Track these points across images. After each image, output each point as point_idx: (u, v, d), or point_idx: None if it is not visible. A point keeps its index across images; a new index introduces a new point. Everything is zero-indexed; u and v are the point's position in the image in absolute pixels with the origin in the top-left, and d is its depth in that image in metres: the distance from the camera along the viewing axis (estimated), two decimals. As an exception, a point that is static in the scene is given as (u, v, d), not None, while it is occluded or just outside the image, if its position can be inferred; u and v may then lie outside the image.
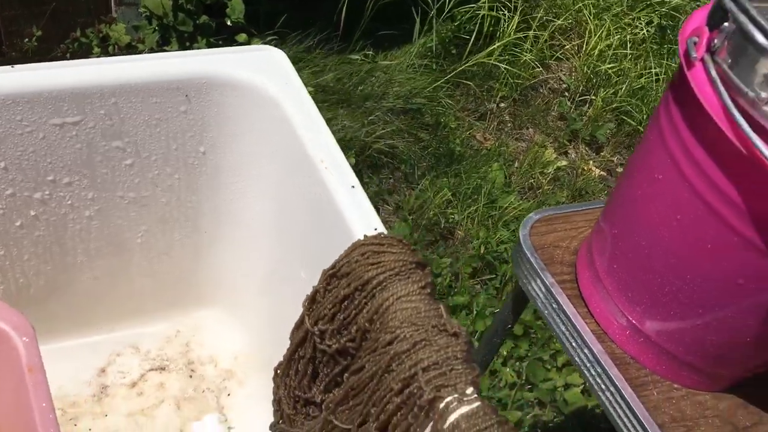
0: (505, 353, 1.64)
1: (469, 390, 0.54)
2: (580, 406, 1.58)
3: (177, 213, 0.80)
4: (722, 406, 0.79)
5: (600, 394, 0.79)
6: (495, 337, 1.14)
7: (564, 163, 2.25)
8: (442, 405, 0.53)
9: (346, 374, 0.62)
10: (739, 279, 0.66)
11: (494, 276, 1.78)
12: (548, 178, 2.16)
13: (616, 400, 0.77)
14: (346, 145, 1.93)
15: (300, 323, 0.65)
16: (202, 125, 0.74)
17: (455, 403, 0.53)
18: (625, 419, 0.76)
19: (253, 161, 0.76)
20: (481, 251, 1.81)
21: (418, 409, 0.55)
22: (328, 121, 2.20)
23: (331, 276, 0.62)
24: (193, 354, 0.91)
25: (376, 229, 0.63)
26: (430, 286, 0.59)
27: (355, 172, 2.23)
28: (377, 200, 1.94)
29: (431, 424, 0.54)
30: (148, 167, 0.75)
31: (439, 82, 2.30)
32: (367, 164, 2.03)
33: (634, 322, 0.77)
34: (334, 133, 2.16)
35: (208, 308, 0.93)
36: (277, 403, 0.70)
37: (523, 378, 1.63)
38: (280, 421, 0.70)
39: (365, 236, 0.61)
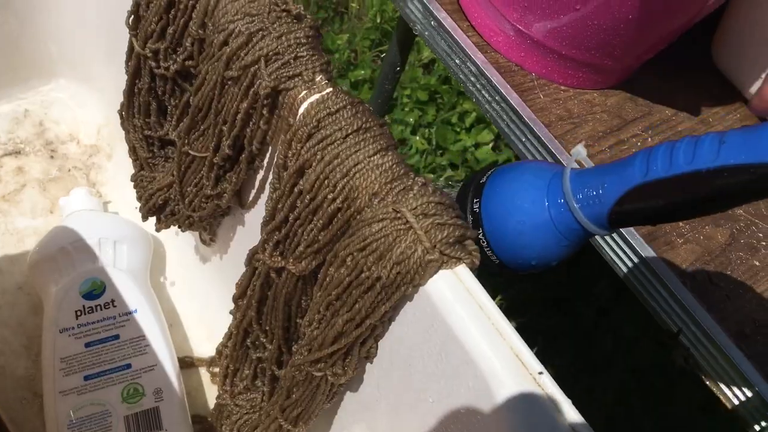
0: (412, 121, 1.61)
1: (319, 78, 0.47)
2: (491, 161, 1.59)
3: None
4: (610, 102, 0.77)
5: (488, 107, 0.76)
6: (386, 82, 1.08)
7: None
8: (289, 97, 0.47)
9: (191, 97, 0.55)
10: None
11: (393, 45, 1.69)
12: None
13: (503, 108, 0.74)
14: None
15: (130, 49, 0.56)
16: None
17: (304, 93, 0.47)
18: (513, 126, 0.73)
19: None
20: (378, 21, 1.71)
21: (267, 110, 0.49)
22: None
23: (151, -17, 0.53)
24: (50, 133, 0.82)
25: None
26: (264, -26, 0.50)
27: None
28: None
29: (283, 124, 0.49)
30: None
31: None
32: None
33: (515, 24, 0.72)
34: None
35: (56, 81, 0.82)
36: (132, 151, 0.63)
37: (434, 143, 1.61)
38: (140, 171, 0.64)
39: (180, -74, 0.52)
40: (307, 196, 0.46)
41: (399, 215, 0.42)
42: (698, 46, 0.83)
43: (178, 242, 0.77)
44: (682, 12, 0.66)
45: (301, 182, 0.46)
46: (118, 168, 0.81)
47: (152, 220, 0.69)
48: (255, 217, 0.63)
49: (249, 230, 0.67)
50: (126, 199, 0.79)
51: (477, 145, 1.60)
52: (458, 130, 1.63)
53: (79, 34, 0.78)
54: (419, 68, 1.66)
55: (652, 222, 0.43)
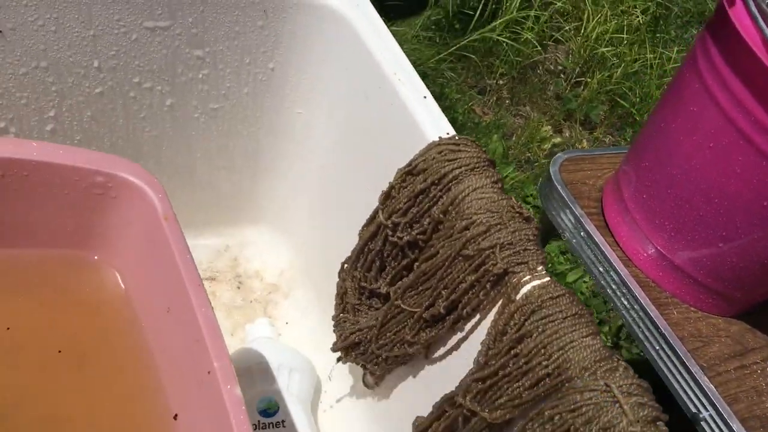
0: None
1: (540, 267, 0.60)
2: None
3: (241, 127, 0.86)
4: (733, 329, 0.87)
5: (625, 313, 0.87)
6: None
7: (559, 140, 2.33)
8: (514, 279, 0.60)
9: (416, 263, 0.68)
10: (764, 201, 0.73)
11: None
12: (545, 153, 2.24)
13: (640, 317, 0.85)
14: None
15: (372, 218, 0.71)
16: (275, 41, 0.79)
17: (528, 277, 0.59)
18: (649, 334, 0.84)
19: (318, 80, 0.82)
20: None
21: (490, 285, 0.61)
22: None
23: (407, 173, 0.68)
24: (240, 268, 0.96)
25: (447, 133, 0.69)
26: (501, 182, 0.65)
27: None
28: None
29: (502, 299, 0.61)
30: (222, 79, 0.80)
31: (442, 55, 2.36)
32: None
33: (659, 248, 0.85)
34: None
35: (257, 225, 0.98)
36: (340, 296, 0.76)
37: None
38: (342, 313, 0.76)
39: (440, 138, 0.68)
40: (522, 360, 0.57)
41: (608, 389, 0.52)
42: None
43: (338, 378, 0.87)
44: (812, 264, 0.78)
45: (519, 347, 0.57)
46: (291, 306, 0.94)
47: (318, 355, 0.80)
48: (427, 371, 0.74)
49: (412, 382, 0.77)
50: (294, 335, 0.91)
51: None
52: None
53: (289, 194, 0.94)
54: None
55: None
